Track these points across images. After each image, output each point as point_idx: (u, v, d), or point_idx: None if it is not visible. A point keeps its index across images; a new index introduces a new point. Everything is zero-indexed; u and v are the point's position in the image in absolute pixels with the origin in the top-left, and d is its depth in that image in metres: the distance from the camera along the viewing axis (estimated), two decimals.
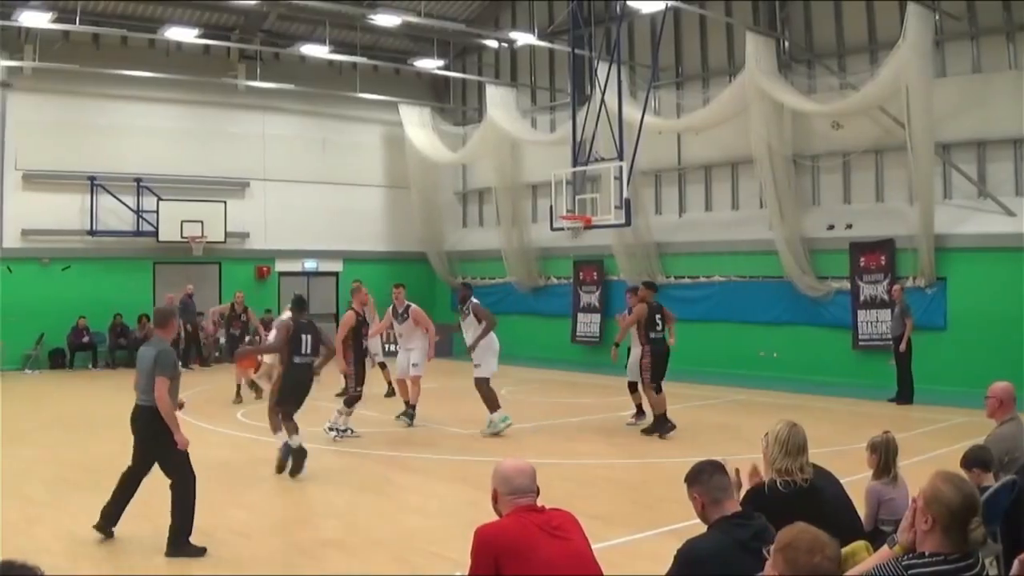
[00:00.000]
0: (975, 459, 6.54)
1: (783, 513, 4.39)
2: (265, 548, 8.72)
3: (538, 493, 4.82)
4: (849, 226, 22.40)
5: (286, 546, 8.80)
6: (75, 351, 26.25)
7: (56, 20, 22.89)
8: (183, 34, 25.22)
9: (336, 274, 31.39)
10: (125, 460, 12.86)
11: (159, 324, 9.29)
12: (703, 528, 4.86)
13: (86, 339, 26.20)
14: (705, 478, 4.83)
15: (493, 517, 4.81)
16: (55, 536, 9.07)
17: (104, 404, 18.88)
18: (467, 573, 4.59)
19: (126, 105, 27.42)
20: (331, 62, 29.48)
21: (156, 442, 8.64)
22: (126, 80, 26.56)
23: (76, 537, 9.02)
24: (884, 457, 6.79)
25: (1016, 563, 4.78)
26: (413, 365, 16.21)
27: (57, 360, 26.01)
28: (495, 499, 4.85)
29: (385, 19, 24.95)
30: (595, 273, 27.90)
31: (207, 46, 27.67)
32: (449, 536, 8.90)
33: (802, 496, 5.35)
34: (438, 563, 8.19)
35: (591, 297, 28.04)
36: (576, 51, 24.08)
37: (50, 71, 25.27)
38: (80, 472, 12.20)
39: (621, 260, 26.55)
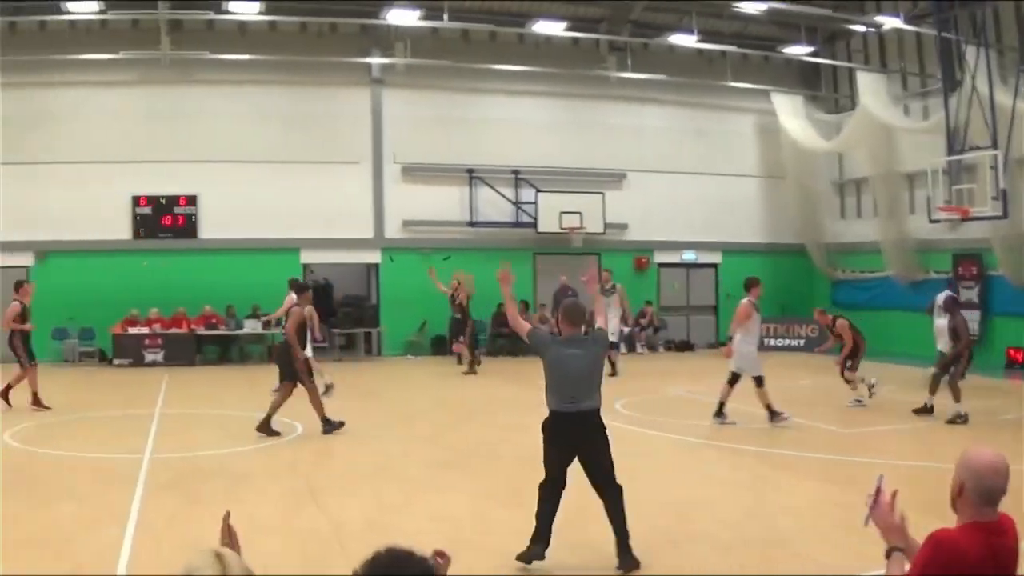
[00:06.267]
0: None
1: None
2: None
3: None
4: None
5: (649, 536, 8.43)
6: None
7: (424, 17, 23.96)
8: (551, 27, 25.74)
9: (715, 266, 31.01)
10: (502, 445, 13.11)
11: (576, 321, 8.02)
12: None
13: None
14: None
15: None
16: (430, 518, 9.14)
17: (482, 390, 19.56)
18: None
19: (498, 99, 28.32)
20: (700, 51, 29.01)
21: (605, 447, 7.94)
22: (497, 74, 27.37)
23: (450, 519, 9.10)
24: None
25: None
26: None
27: (439, 346, 27.02)
28: (958, 493, 3.93)
29: (751, 5, 24.33)
30: (974, 268, 25.72)
31: (575, 39, 28.02)
32: (816, 538, 8.45)
33: None
34: (805, 565, 7.65)
35: (970, 293, 25.66)
36: (943, 34, 22.49)
37: (422, 67, 26.42)
38: (456, 455, 12.50)
39: (1000, 255, 24.33)
